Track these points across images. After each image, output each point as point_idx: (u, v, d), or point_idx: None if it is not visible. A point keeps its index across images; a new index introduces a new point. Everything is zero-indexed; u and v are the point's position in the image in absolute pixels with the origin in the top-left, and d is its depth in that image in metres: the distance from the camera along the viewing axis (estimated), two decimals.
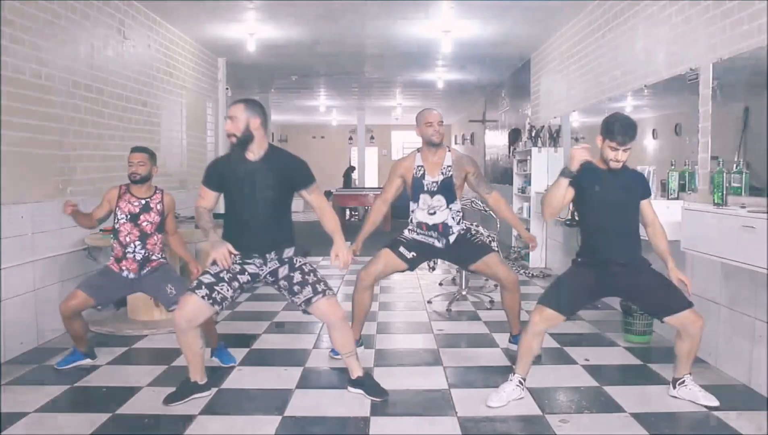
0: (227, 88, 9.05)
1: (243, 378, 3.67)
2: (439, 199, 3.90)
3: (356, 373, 3.38)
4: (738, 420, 3.03)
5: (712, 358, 3.86)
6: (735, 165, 3.56)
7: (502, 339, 4.48)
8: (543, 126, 7.80)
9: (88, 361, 3.91)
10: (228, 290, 3.20)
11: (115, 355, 4.09)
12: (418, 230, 3.97)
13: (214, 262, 3.16)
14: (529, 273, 7.09)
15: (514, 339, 4.10)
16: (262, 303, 5.80)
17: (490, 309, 5.45)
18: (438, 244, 3.94)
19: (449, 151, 3.99)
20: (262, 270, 3.29)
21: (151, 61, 6.45)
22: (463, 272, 5.88)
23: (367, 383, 3.37)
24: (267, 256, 3.27)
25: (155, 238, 3.90)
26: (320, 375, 3.77)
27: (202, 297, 3.13)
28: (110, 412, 3.13)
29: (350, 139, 21.09)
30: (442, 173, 3.91)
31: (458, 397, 3.34)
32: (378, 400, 3.27)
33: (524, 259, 7.96)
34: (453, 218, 3.91)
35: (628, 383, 3.55)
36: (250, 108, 3.18)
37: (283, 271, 3.29)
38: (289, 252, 3.33)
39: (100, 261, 5.09)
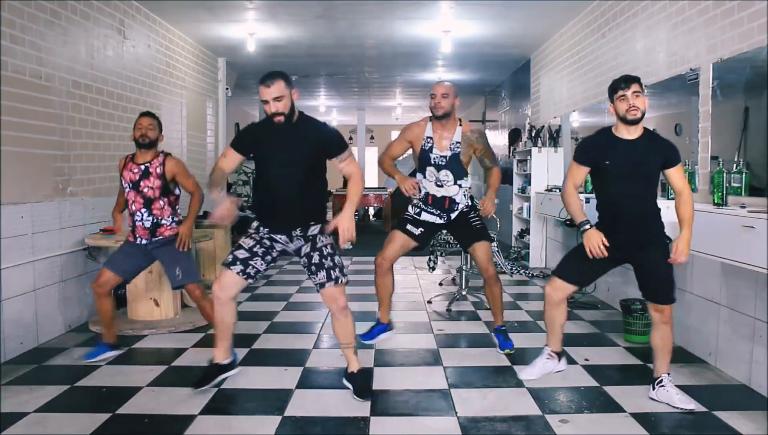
0: (227, 88, 9.05)
1: (243, 378, 3.66)
2: (447, 174, 3.89)
3: (351, 367, 3.39)
4: (738, 420, 3.03)
5: (712, 358, 3.86)
6: (735, 165, 3.57)
7: None
8: (543, 126, 7.80)
9: (115, 354, 4.00)
10: (261, 264, 3.29)
11: (115, 355, 4.08)
12: (423, 205, 3.97)
13: (248, 235, 3.29)
14: (529, 273, 7.09)
15: (497, 330, 4.17)
16: (262, 303, 5.80)
17: (490, 309, 5.44)
18: (439, 221, 3.96)
19: (461, 125, 3.92)
20: (288, 247, 3.33)
21: (151, 61, 6.45)
22: (463, 272, 5.88)
23: (357, 381, 3.35)
24: (293, 233, 3.27)
25: (161, 202, 3.92)
26: (320, 375, 3.77)
27: (238, 272, 3.23)
28: (110, 412, 3.13)
29: (350, 139, 21.09)
30: (451, 148, 3.87)
31: (458, 397, 3.34)
32: (360, 400, 3.25)
33: (524, 259, 7.96)
34: (464, 195, 3.93)
35: (628, 383, 3.55)
36: (288, 81, 3.12)
37: (306, 248, 3.28)
38: (314, 229, 3.27)
39: (99, 261, 5.10)
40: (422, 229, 3.98)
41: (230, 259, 3.25)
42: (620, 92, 3.11)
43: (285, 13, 6.70)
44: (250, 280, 3.30)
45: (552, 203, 5.97)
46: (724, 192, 3.53)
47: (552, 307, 3.41)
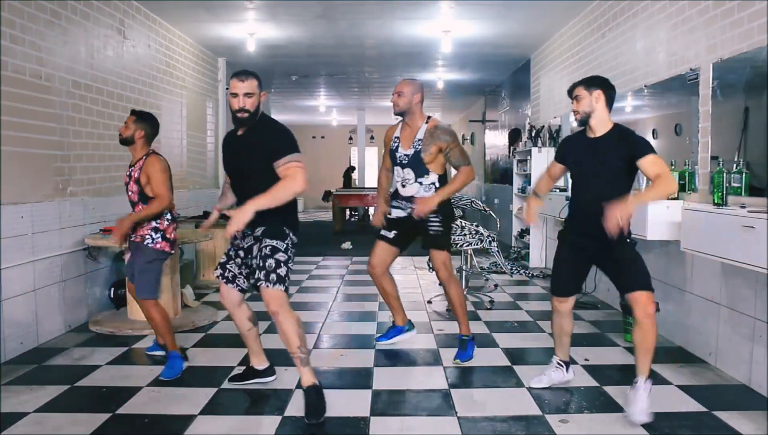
0: (227, 88, 9.04)
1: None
2: (408, 172, 3.86)
3: (303, 380, 3.17)
4: (738, 420, 3.03)
5: (712, 358, 3.86)
6: (735, 165, 3.56)
7: (502, 339, 4.49)
8: (543, 126, 7.80)
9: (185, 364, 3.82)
10: (235, 267, 3.30)
11: (115, 355, 4.08)
12: (393, 202, 3.99)
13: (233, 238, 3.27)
14: (529, 273, 7.10)
15: (460, 338, 4.01)
16: (262, 303, 5.78)
17: (490, 309, 5.45)
18: (403, 214, 3.92)
19: (427, 122, 3.86)
20: (244, 244, 3.28)
21: (151, 61, 6.45)
22: (463, 272, 5.88)
23: (309, 398, 3.11)
24: (246, 231, 3.21)
25: (140, 206, 3.77)
26: (320, 375, 3.76)
27: (219, 277, 3.32)
28: (110, 412, 3.13)
29: (350, 139, 21.10)
30: (413, 146, 3.85)
31: (458, 397, 3.34)
32: (307, 421, 3.01)
33: (524, 259, 7.96)
34: (425, 192, 3.84)
35: (628, 383, 3.53)
36: (260, 82, 3.14)
37: (255, 248, 3.21)
38: (259, 231, 3.17)
39: (99, 261, 5.11)
40: (395, 231, 3.97)
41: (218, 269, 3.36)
42: (572, 99, 3.24)
43: (285, 13, 6.70)
44: (232, 286, 3.30)
45: (552, 203, 5.97)
46: (724, 192, 3.53)
47: (559, 317, 3.42)
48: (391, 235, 3.98)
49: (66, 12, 4.71)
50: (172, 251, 3.87)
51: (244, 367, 3.74)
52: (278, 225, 3.13)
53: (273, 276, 3.07)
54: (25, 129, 4.19)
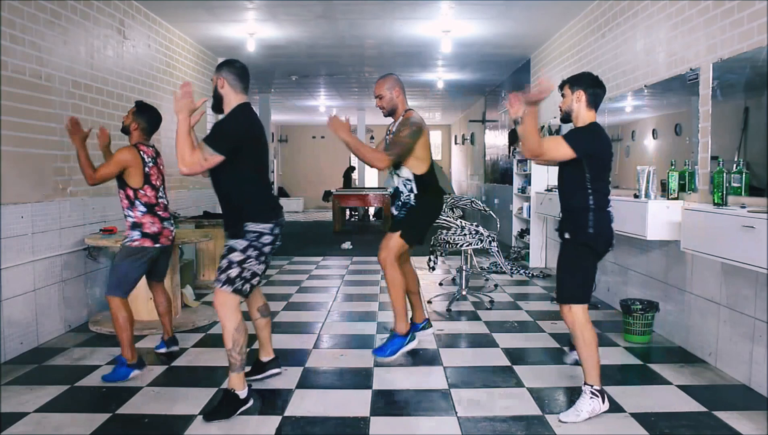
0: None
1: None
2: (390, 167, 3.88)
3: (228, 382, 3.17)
4: (738, 420, 3.03)
5: (712, 358, 3.86)
6: (735, 165, 3.56)
7: (502, 339, 4.49)
8: (543, 126, 7.80)
9: (138, 373, 3.73)
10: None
11: (115, 355, 4.08)
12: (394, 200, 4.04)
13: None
14: (529, 273, 7.10)
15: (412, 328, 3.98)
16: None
17: (490, 309, 5.45)
18: (395, 212, 3.98)
19: (404, 114, 3.86)
20: None
21: (151, 61, 6.45)
22: (463, 272, 5.88)
23: (217, 397, 3.19)
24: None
25: (121, 194, 3.80)
26: (320, 375, 3.77)
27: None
28: (110, 412, 3.13)
29: None
30: (386, 141, 3.94)
31: (458, 397, 3.34)
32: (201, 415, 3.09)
33: (524, 259, 7.96)
34: (404, 185, 3.86)
35: (628, 383, 3.55)
36: (217, 68, 3.44)
37: None
38: (227, 233, 3.22)
39: (99, 261, 5.11)
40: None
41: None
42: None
43: (285, 13, 6.70)
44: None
45: (552, 203, 5.97)
46: (724, 192, 3.53)
47: (592, 329, 3.10)
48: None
49: (66, 12, 4.71)
50: (156, 244, 3.77)
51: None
52: (235, 224, 3.11)
53: (222, 276, 3.05)
54: (25, 129, 4.19)
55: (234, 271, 3.04)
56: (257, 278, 3.18)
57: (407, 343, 3.90)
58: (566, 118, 3.29)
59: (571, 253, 3.19)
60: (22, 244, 4.14)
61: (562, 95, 3.30)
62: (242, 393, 3.11)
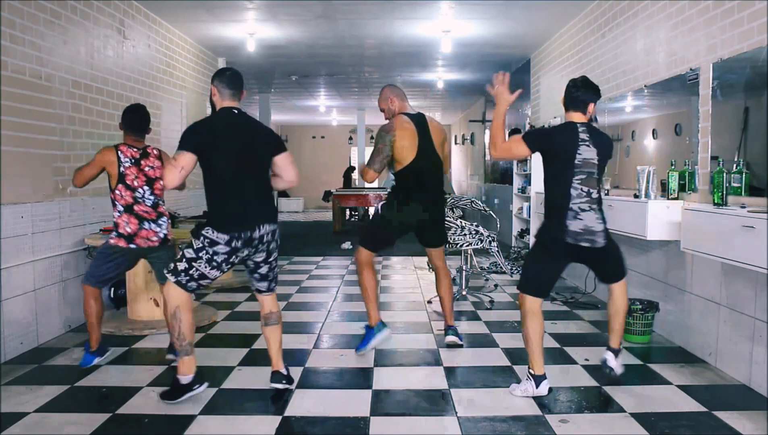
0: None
1: (243, 378, 3.66)
2: None
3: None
4: (738, 420, 3.03)
5: (712, 358, 3.86)
6: (735, 165, 3.56)
7: (502, 339, 4.49)
8: (543, 126, 7.80)
9: (99, 359, 3.96)
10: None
11: (115, 355, 4.08)
12: None
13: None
14: None
15: (449, 331, 4.30)
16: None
17: (490, 309, 5.45)
18: None
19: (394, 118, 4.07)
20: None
21: (151, 61, 6.45)
22: (463, 272, 5.88)
23: (171, 383, 3.31)
24: None
25: (160, 183, 3.94)
26: (320, 375, 3.77)
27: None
28: (110, 412, 3.13)
29: (350, 139, 21.09)
30: None
31: (458, 397, 3.34)
32: (166, 402, 3.23)
33: (524, 259, 7.95)
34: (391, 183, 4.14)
35: (628, 383, 3.55)
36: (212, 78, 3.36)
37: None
38: None
39: None
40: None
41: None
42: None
43: (285, 13, 6.70)
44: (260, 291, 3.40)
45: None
46: (724, 192, 3.53)
47: (532, 319, 3.37)
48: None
49: (66, 12, 4.71)
50: (131, 245, 3.78)
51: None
52: (200, 226, 3.17)
53: (171, 264, 3.21)
54: (25, 129, 4.19)
55: (181, 265, 3.14)
56: (207, 281, 3.19)
57: (376, 334, 4.07)
58: None
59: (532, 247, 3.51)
60: (22, 244, 4.14)
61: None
62: (184, 378, 3.23)
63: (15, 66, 4.07)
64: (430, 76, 10.78)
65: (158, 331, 4.60)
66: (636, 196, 4.33)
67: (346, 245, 9.78)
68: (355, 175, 17.53)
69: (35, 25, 4.31)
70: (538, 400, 3.29)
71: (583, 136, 3.21)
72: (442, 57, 9.07)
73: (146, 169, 3.87)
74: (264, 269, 3.30)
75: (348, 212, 14.73)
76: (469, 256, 6.09)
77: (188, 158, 3.04)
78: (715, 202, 3.57)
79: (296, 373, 3.75)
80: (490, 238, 5.70)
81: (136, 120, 3.91)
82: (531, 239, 7.68)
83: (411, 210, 3.98)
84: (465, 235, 5.61)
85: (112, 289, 5.23)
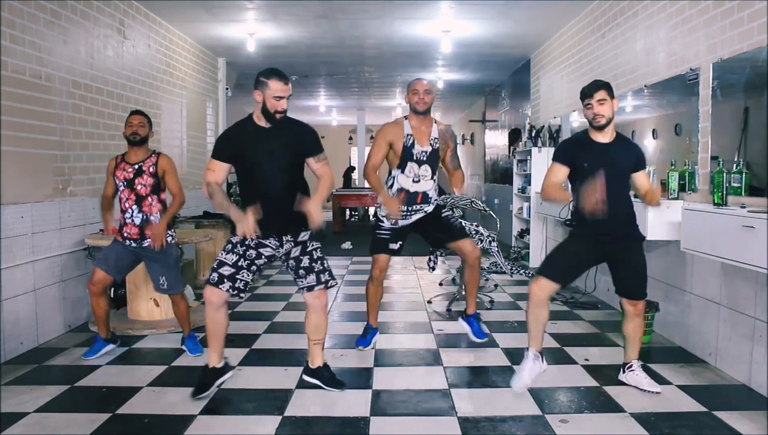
0: (227, 88, 9.05)
1: (243, 378, 3.66)
2: (426, 169, 3.95)
3: (317, 362, 3.47)
4: (738, 420, 3.03)
5: (712, 358, 3.86)
6: (735, 165, 3.56)
7: (503, 339, 4.49)
8: (543, 126, 7.80)
9: (111, 347, 4.13)
10: (248, 276, 3.30)
11: (115, 355, 4.08)
12: (405, 207, 3.98)
13: (229, 250, 3.27)
14: (529, 273, 7.09)
15: (466, 319, 4.30)
16: (262, 303, 5.80)
17: (490, 309, 5.45)
18: (421, 214, 4.01)
19: (435, 122, 4.02)
20: (278, 252, 3.35)
21: (151, 61, 6.45)
22: (464, 272, 5.87)
23: (324, 375, 3.45)
24: (284, 238, 3.30)
25: (150, 199, 3.97)
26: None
27: (227, 290, 3.22)
28: (110, 412, 3.13)
29: (350, 139, 21.09)
30: (431, 144, 3.95)
31: (458, 397, 3.34)
32: (335, 390, 3.39)
33: (524, 259, 7.96)
34: (435, 190, 4.04)
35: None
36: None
37: (295, 251, 3.35)
38: (304, 235, 3.33)
39: None
40: (401, 241, 4.07)
41: (216, 278, 3.21)
42: (586, 100, 3.29)
43: (285, 13, 6.70)
44: (242, 295, 3.31)
45: (552, 203, 5.97)
46: (724, 192, 3.53)
47: (537, 306, 3.34)
48: (397, 246, 4.06)
49: (66, 12, 4.71)
50: (118, 238, 4.02)
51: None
52: (305, 225, 3.21)
53: (327, 276, 3.38)
54: (25, 129, 4.19)
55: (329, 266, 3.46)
56: (226, 268, 3.23)
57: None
58: (606, 125, 3.31)
59: (641, 248, 3.47)
60: (22, 244, 4.14)
61: (600, 101, 3.25)
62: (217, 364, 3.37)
63: (15, 66, 4.07)
64: (430, 76, 10.77)
65: (158, 331, 4.60)
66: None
67: (346, 245, 9.77)
68: (355, 175, 17.54)
69: (35, 25, 4.31)
70: (538, 400, 3.29)
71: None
72: (442, 57, 9.07)
73: (138, 187, 3.94)
74: (305, 261, 3.32)
75: (348, 212, 14.73)
76: None
77: (213, 164, 3.25)
78: (715, 202, 3.57)
79: (296, 373, 3.75)
80: (490, 238, 5.69)
81: (127, 127, 4.00)
82: (531, 239, 7.68)
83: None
84: None
85: (112, 289, 5.23)
